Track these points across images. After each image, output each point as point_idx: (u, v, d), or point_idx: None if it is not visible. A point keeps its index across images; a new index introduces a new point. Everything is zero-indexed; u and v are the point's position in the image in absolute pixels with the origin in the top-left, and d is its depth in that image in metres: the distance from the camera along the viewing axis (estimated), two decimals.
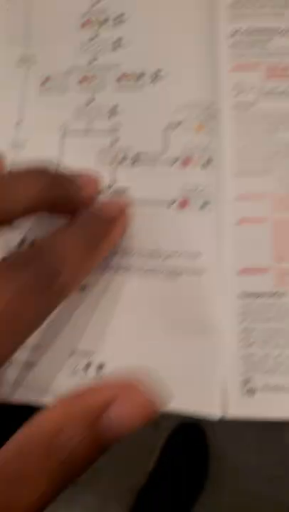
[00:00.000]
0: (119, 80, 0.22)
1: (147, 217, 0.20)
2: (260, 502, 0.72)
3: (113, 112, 0.21)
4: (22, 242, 0.21)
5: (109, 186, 0.21)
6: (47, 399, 0.20)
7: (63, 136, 0.22)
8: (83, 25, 0.23)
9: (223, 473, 0.75)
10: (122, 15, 0.22)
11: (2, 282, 0.14)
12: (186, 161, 0.20)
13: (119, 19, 0.22)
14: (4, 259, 0.15)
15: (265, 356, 0.19)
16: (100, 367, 0.20)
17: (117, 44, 0.22)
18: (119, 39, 0.22)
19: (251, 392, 0.19)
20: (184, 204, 0.20)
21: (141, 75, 0.21)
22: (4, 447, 0.12)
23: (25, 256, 0.16)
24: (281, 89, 0.21)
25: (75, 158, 0.21)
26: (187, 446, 0.75)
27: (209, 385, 0.19)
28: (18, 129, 0.22)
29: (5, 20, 0.23)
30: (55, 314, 0.20)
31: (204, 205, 0.20)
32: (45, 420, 0.13)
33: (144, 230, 0.20)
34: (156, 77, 0.21)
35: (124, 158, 0.21)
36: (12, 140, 0.22)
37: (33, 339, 0.20)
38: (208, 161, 0.20)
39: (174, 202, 0.20)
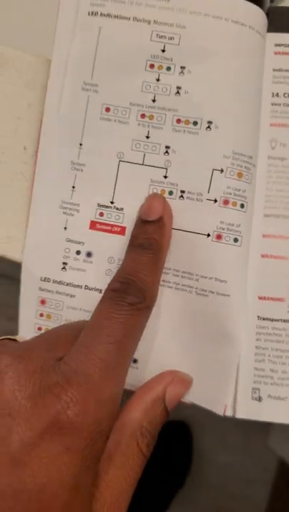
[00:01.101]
0: (175, 123, 0.24)
1: (186, 243, 0.24)
2: (237, 502, 0.76)
3: (166, 150, 0.24)
4: None
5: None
6: None
7: (119, 163, 0.25)
8: (150, 66, 0.24)
9: (204, 471, 0.79)
10: (183, 67, 0.24)
11: (113, 317, 0.20)
12: (225, 202, 0.24)
13: (182, 71, 0.24)
14: (107, 292, 0.21)
15: (273, 371, 0.23)
16: (135, 361, 0.24)
17: (177, 92, 0.24)
18: (179, 88, 0.24)
19: (258, 399, 0.23)
20: (219, 237, 0.24)
21: (195, 123, 0.24)
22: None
23: (120, 289, 0.21)
24: None
25: (129, 185, 0.24)
26: (172, 443, 0.78)
27: (224, 388, 0.23)
28: (79, 152, 0.25)
29: (80, 46, 0.25)
30: None
31: (235, 240, 0.24)
32: (127, 419, 0.19)
33: (182, 253, 0.24)
34: (208, 127, 0.24)
35: (170, 193, 0.24)
36: (73, 161, 0.25)
37: None
38: (243, 204, 0.24)
39: (211, 234, 0.24)
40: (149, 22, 0.24)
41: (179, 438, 0.79)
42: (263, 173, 0.25)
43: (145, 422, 0.19)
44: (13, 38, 0.28)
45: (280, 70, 0.26)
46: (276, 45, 0.26)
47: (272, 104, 0.25)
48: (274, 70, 0.26)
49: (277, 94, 0.26)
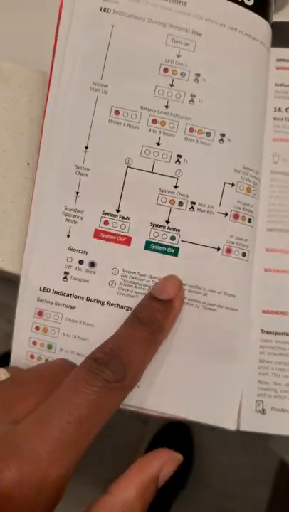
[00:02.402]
0: (187, 132, 0.23)
1: (196, 256, 0.23)
2: (238, 502, 0.76)
3: (178, 159, 0.23)
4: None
5: (166, 223, 0.24)
6: None
7: (127, 169, 0.23)
8: (164, 70, 0.24)
9: (205, 472, 0.79)
10: (198, 75, 0.24)
11: (83, 391, 0.18)
12: (235, 216, 0.24)
13: (196, 78, 0.24)
14: (87, 359, 0.19)
15: (276, 384, 0.24)
16: None
17: (191, 99, 0.23)
18: (193, 95, 0.23)
19: (262, 411, 0.24)
20: (229, 251, 0.24)
21: (208, 134, 0.23)
22: None
23: (101, 361, 0.19)
24: None
25: (137, 193, 0.23)
26: (174, 444, 0.79)
27: (229, 402, 0.24)
28: (85, 155, 0.24)
29: (91, 43, 0.24)
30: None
31: (244, 254, 0.24)
32: (121, 500, 0.18)
33: (190, 266, 0.23)
34: (221, 139, 0.23)
35: (180, 203, 0.23)
36: (77, 165, 0.24)
37: None
38: (250, 219, 0.24)
39: (221, 248, 0.23)
40: (164, 25, 0.24)
41: (180, 439, 0.79)
42: (266, 187, 0.25)
43: (138, 505, 0.18)
44: (15, 53, 0.28)
45: (282, 84, 0.26)
46: (278, 60, 0.26)
47: (275, 119, 0.26)
48: (276, 84, 0.26)
49: (279, 109, 0.26)
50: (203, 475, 0.79)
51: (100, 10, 0.24)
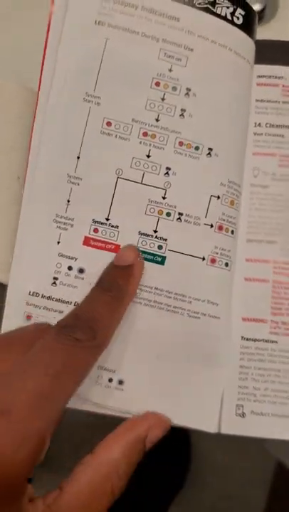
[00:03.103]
0: (177, 145, 0.24)
1: (182, 266, 0.24)
2: (235, 503, 0.77)
3: (167, 171, 0.24)
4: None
5: (154, 232, 0.24)
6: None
7: (117, 180, 0.24)
8: (156, 84, 0.24)
9: (202, 473, 0.80)
10: (189, 89, 0.24)
11: (56, 348, 0.19)
12: (220, 227, 0.25)
13: (187, 92, 0.24)
14: (56, 326, 0.20)
15: (255, 389, 0.25)
16: (120, 382, 0.24)
17: (181, 114, 0.24)
18: (184, 110, 0.24)
19: (241, 415, 0.25)
20: (213, 261, 0.25)
21: (197, 148, 0.24)
22: (75, 478, 0.18)
23: (70, 325, 0.20)
24: None
25: (126, 202, 0.24)
26: (171, 444, 0.79)
27: (209, 406, 0.25)
28: (76, 165, 0.24)
29: (84, 55, 0.24)
30: None
31: (226, 264, 0.25)
32: (107, 458, 0.19)
33: (176, 275, 0.24)
34: (208, 153, 0.24)
35: (168, 214, 0.24)
36: (69, 174, 0.24)
37: None
38: (233, 231, 0.25)
39: (206, 258, 0.24)
40: (157, 40, 0.24)
41: (178, 440, 0.80)
42: (246, 200, 0.26)
43: (124, 463, 0.19)
44: (4, 69, 0.29)
45: (262, 100, 0.27)
46: (259, 76, 0.27)
47: (255, 134, 0.27)
48: (256, 100, 0.27)
49: (259, 124, 0.27)
50: (200, 476, 0.80)
51: (95, 23, 0.24)
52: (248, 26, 0.26)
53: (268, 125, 0.27)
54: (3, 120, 0.28)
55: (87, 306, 0.22)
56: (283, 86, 0.27)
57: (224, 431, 0.25)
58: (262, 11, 0.39)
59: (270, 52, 0.27)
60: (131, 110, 0.24)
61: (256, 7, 0.39)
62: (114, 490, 0.18)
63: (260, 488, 0.78)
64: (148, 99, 0.24)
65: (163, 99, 0.24)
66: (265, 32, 0.39)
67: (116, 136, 0.24)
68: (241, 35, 0.25)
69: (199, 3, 0.24)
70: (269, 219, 0.26)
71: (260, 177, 0.26)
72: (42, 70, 0.25)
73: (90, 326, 0.20)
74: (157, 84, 0.24)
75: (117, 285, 0.22)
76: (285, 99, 0.27)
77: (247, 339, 0.25)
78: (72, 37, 0.24)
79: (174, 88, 0.24)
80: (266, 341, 0.25)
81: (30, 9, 0.35)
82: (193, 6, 0.24)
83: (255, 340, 0.25)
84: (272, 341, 0.25)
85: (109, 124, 0.24)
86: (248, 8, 0.26)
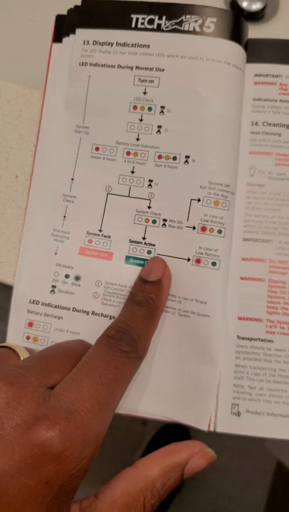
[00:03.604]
0: (156, 159, 0.26)
1: (170, 268, 0.25)
2: (235, 504, 0.77)
3: (150, 183, 0.26)
4: None
5: (143, 239, 0.26)
6: None
7: (107, 195, 0.26)
8: (133, 108, 0.27)
9: (202, 473, 0.80)
10: (163, 107, 0.26)
11: (108, 359, 0.21)
12: (202, 229, 0.25)
13: (162, 110, 0.26)
14: (102, 337, 0.22)
15: (251, 388, 0.25)
16: None
17: (158, 130, 0.26)
18: (160, 126, 0.26)
19: (237, 414, 0.25)
20: (198, 261, 0.25)
21: (174, 158, 0.26)
22: (112, 488, 0.19)
23: (115, 337, 0.22)
24: (287, 175, 0.26)
25: (116, 214, 0.26)
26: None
27: (205, 405, 0.25)
28: (71, 185, 0.27)
29: (73, 94, 0.27)
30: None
31: (213, 264, 0.25)
32: (144, 474, 0.19)
33: None
34: (186, 161, 0.26)
35: (154, 221, 0.26)
36: (65, 194, 0.27)
37: None
38: (220, 230, 0.25)
39: (190, 259, 0.25)
40: (132, 68, 0.27)
41: (178, 440, 0.80)
42: (242, 199, 0.26)
43: (159, 482, 0.19)
44: (4, 70, 0.29)
45: (259, 99, 0.27)
46: (256, 75, 0.27)
47: (252, 133, 0.27)
48: (254, 99, 0.27)
49: (256, 123, 0.27)
50: (200, 476, 0.80)
51: (79, 64, 0.27)
52: (222, 31, 0.26)
53: (265, 124, 0.27)
54: (2, 120, 0.28)
55: (127, 319, 0.23)
56: (281, 84, 0.27)
57: (220, 429, 0.25)
58: (262, 10, 0.39)
59: (266, 51, 0.27)
60: (114, 134, 0.27)
61: (257, 6, 0.39)
62: (146, 505, 0.19)
63: (260, 488, 0.78)
64: (128, 122, 0.27)
65: (141, 119, 0.26)
66: (265, 31, 0.39)
67: (104, 158, 0.27)
68: (213, 41, 0.26)
69: (166, 27, 0.27)
70: (265, 218, 0.26)
71: (256, 176, 0.26)
72: (43, 104, 0.28)
73: (133, 339, 0.22)
74: (135, 107, 0.27)
75: (151, 300, 0.24)
76: (282, 98, 0.27)
77: (243, 338, 0.25)
78: (61, 79, 0.28)
79: (150, 108, 0.26)
80: (262, 340, 0.25)
81: (32, 12, 0.35)
82: (161, 31, 0.27)
83: (250, 339, 0.25)
84: (268, 340, 0.25)
85: (97, 148, 0.27)
86: (220, 14, 0.26)
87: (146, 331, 0.23)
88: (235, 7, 0.38)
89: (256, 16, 0.38)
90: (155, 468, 0.20)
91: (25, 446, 0.17)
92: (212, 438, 0.25)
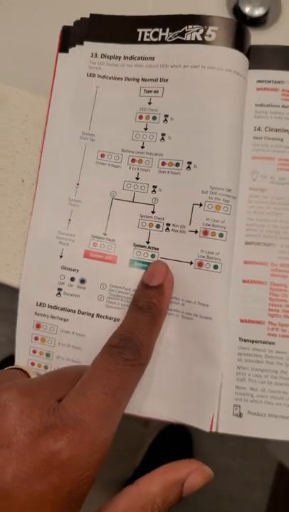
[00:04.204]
0: (160, 165, 0.27)
1: (173, 271, 0.26)
2: (237, 505, 0.77)
3: (154, 189, 0.27)
4: None
5: (147, 243, 0.26)
6: None
7: (112, 200, 0.27)
8: (139, 118, 0.28)
9: None
10: (167, 116, 0.27)
11: (111, 369, 0.21)
12: (204, 232, 0.26)
13: (165, 119, 0.27)
14: (106, 347, 0.23)
15: (252, 390, 0.25)
16: None
17: (162, 138, 0.27)
18: (163, 134, 0.27)
19: (239, 415, 0.25)
20: (200, 264, 0.25)
21: (177, 164, 0.26)
22: (114, 504, 0.19)
23: (118, 345, 0.22)
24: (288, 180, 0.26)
25: (121, 220, 0.27)
26: (174, 446, 0.80)
27: (207, 405, 0.25)
28: (76, 190, 0.27)
29: (81, 101, 0.28)
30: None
31: (215, 267, 0.25)
32: (145, 491, 0.20)
33: None
34: (188, 167, 0.26)
35: (158, 226, 0.26)
36: (70, 198, 0.27)
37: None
38: (222, 234, 0.26)
39: (193, 262, 0.26)
40: (138, 80, 0.28)
41: (179, 442, 0.80)
42: (244, 203, 0.26)
43: (160, 499, 0.20)
44: (11, 76, 0.30)
45: (261, 105, 0.27)
46: (258, 81, 0.28)
47: (254, 138, 0.27)
48: (256, 105, 0.28)
49: (259, 128, 0.27)
50: None
51: (87, 75, 0.28)
52: (224, 39, 0.27)
53: (268, 129, 0.27)
54: (8, 125, 0.28)
55: (130, 327, 0.24)
56: (283, 90, 0.28)
57: (221, 430, 0.25)
58: (265, 16, 0.39)
59: (269, 58, 0.28)
60: (120, 142, 0.28)
61: (259, 11, 0.39)
62: None
63: (262, 489, 0.78)
64: (134, 131, 0.28)
65: (146, 128, 0.27)
66: (267, 36, 0.40)
67: (109, 164, 0.27)
68: (215, 49, 0.27)
69: (170, 38, 0.28)
70: (267, 222, 0.26)
71: (258, 180, 0.27)
72: (48, 115, 0.28)
73: (136, 347, 0.22)
74: (140, 117, 0.28)
75: (153, 305, 0.24)
76: (284, 104, 0.27)
77: (245, 340, 0.26)
78: (68, 87, 0.28)
79: (154, 117, 0.27)
80: (264, 343, 0.25)
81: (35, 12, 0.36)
82: (165, 42, 0.28)
83: (252, 341, 0.25)
84: (270, 343, 0.25)
85: (102, 155, 0.28)
86: (222, 22, 0.27)
87: (149, 337, 0.24)
88: (237, 13, 0.39)
89: (259, 22, 0.39)
90: (156, 485, 0.20)
91: (36, 453, 0.17)
92: (214, 439, 0.25)
